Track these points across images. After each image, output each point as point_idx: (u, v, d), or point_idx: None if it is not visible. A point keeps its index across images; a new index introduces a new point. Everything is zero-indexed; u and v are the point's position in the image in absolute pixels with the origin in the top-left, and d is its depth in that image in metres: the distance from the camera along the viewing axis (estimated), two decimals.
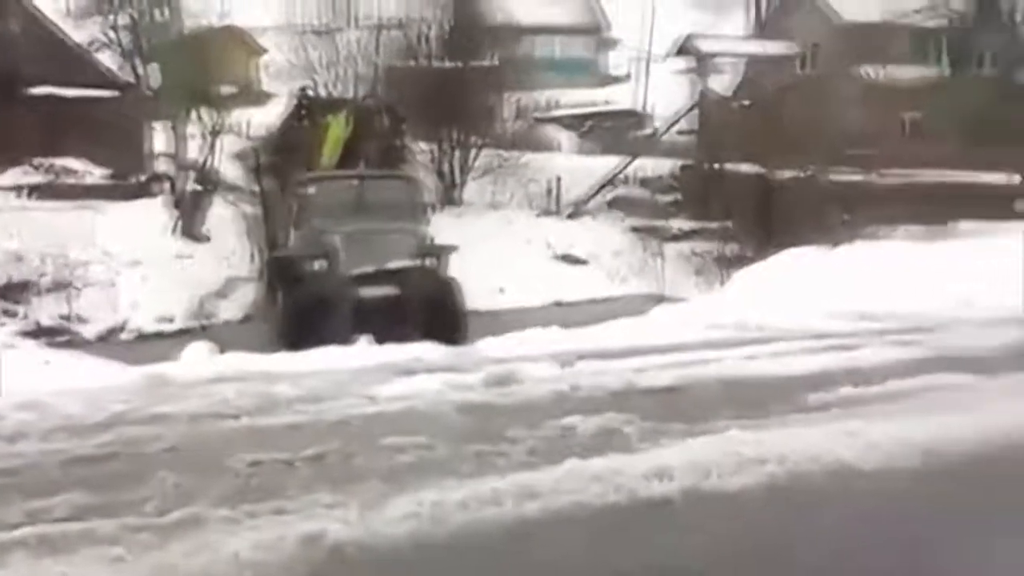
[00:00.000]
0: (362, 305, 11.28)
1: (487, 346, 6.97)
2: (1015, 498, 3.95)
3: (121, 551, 3.46)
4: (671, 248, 19.60)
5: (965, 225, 15.97)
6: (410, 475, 4.25)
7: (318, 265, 11.98)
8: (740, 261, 15.06)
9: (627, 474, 4.03)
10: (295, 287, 12.12)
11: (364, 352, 7.27)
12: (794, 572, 3.39)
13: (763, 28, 38.83)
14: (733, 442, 4.32)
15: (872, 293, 7.84)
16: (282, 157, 15.17)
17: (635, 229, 20.49)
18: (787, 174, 19.04)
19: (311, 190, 13.16)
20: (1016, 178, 19.93)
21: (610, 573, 3.34)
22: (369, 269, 11.71)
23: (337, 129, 14.06)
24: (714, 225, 19.29)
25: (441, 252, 12.50)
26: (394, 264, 11.79)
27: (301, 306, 11.58)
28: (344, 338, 9.05)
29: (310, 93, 16.59)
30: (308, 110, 15.27)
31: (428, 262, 12.13)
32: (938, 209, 16.60)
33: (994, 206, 17.84)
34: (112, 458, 4.67)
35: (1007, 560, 3.37)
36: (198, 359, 7.36)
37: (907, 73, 30.57)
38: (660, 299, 12.98)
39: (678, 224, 20.62)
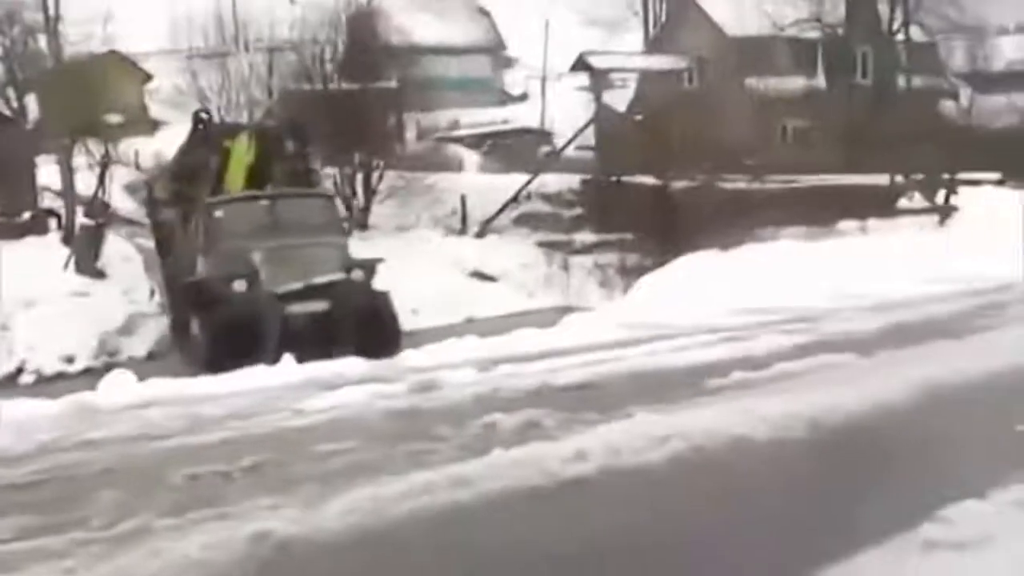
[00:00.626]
0: (290, 323, 10.77)
1: (408, 357, 7.27)
2: (890, 457, 4.48)
3: (72, 563, 3.63)
4: (576, 261, 20.17)
5: (846, 224, 16.99)
6: (345, 477, 4.52)
7: (237, 285, 11.27)
8: (641, 269, 15.65)
9: (548, 459, 4.41)
10: (213, 311, 11.39)
11: (287, 370, 7.48)
12: (701, 533, 3.80)
13: (655, 43, 40.09)
14: (641, 425, 4.75)
15: (762, 290, 8.44)
16: (181, 185, 14.29)
17: (541, 244, 21.00)
18: (680, 184, 19.82)
19: (219, 213, 12.45)
20: (898, 178, 21.19)
21: (539, 547, 3.70)
22: (295, 285, 11.05)
23: (240, 153, 13.44)
24: (615, 236, 19.96)
25: (368, 264, 12.06)
26: (320, 279, 11.12)
27: (222, 330, 10.89)
28: (272, 359, 8.77)
29: (204, 116, 15.60)
30: (207, 135, 14.44)
31: (356, 275, 11.59)
32: (821, 211, 17.59)
33: (877, 205, 18.92)
34: (49, 483, 4.79)
35: (881, 510, 3.85)
36: (120, 386, 7.43)
37: (787, 84, 32.05)
38: (568, 309, 13.46)
39: (582, 237, 21.23)
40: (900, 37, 32.77)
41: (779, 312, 7.68)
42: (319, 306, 10.98)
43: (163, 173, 16.05)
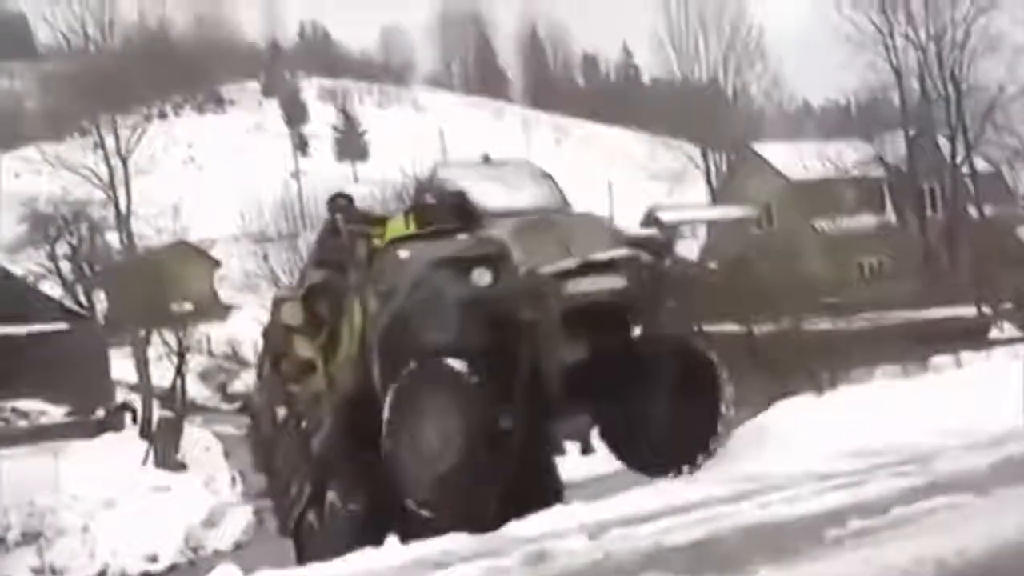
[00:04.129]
0: (574, 312, 6.92)
1: (513, 528, 7.31)
2: None
3: None
4: None
5: (940, 359, 16.71)
6: None
7: (478, 276, 7.09)
8: (734, 419, 15.51)
9: None
10: (446, 341, 7.08)
11: (392, 552, 7.54)
12: None
13: (720, 193, 41.04)
14: None
15: (864, 432, 8.38)
16: (327, 276, 10.03)
17: None
18: (764, 329, 19.85)
19: (405, 254, 8.28)
20: (986, 308, 20.92)
21: None
22: (566, 263, 7.07)
23: (398, 233, 9.59)
24: None
25: (659, 243, 8.07)
26: (599, 255, 7.18)
27: (472, 349, 6.94)
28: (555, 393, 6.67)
29: (342, 201, 11.08)
30: (348, 220, 10.05)
31: (644, 256, 7.48)
32: (912, 346, 17.40)
33: (966, 338, 18.64)
34: None
35: None
36: None
37: (858, 222, 32.32)
38: None
39: None
40: (965, 169, 33.11)
41: (886, 454, 7.61)
42: (612, 282, 7.10)
43: (293, 294, 11.38)
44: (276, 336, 10.57)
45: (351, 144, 70.70)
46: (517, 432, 6.98)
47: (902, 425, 8.37)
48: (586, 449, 8.03)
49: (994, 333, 19.37)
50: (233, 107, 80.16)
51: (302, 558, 9.73)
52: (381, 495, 7.96)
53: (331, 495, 9.13)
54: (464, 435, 6.91)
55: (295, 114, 75.78)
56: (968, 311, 20.80)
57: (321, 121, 74.26)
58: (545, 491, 8.29)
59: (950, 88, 33.33)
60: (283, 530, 11.11)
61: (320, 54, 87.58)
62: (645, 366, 7.47)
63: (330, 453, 9.09)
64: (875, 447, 7.76)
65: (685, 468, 7.87)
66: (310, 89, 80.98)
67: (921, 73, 33.94)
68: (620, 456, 8.00)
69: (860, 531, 5.57)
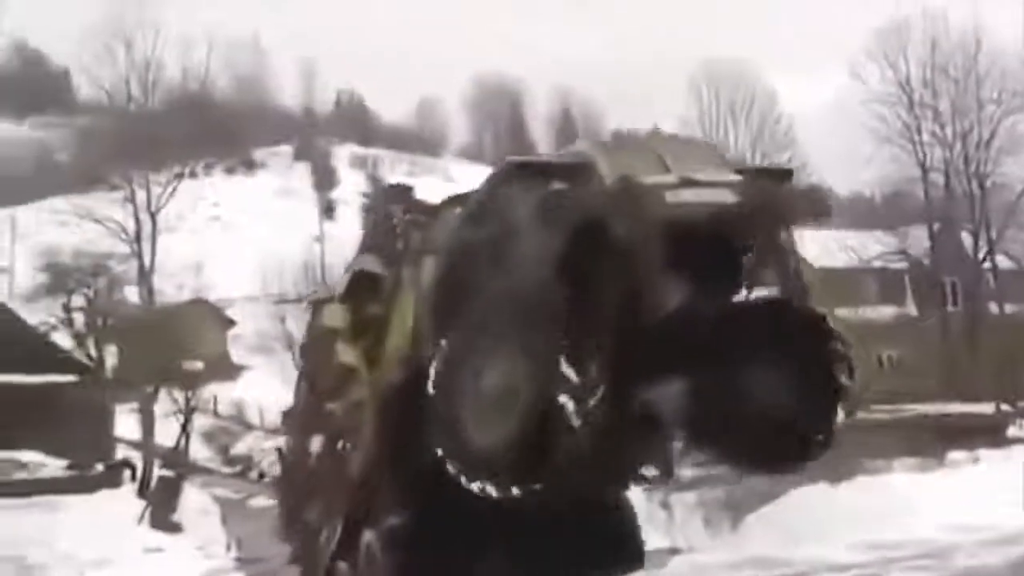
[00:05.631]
0: (676, 229, 5.24)
1: None
2: None
3: None
4: (678, 498, 19.72)
5: (957, 454, 16.55)
6: None
7: (558, 184, 5.61)
8: (748, 505, 15.34)
9: None
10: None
11: None
12: None
13: (745, 278, 40.99)
14: None
15: (879, 524, 8.36)
16: (381, 259, 8.66)
17: None
18: None
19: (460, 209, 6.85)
20: (1005, 407, 20.68)
21: None
22: (665, 178, 5.54)
23: None
24: (719, 471, 19.61)
25: (780, 172, 6.49)
26: (708, 175, 5.67)
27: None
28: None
29: (400, 191, 9.92)
30: (407, 212, 8.41)
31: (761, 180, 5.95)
32: (929, 440, 17.21)
33: (984, 434, 18.41)
34: None
35: None
36: None
37: (879, 313, 32.18)
38: (674, 551, 13.16)
39: (683, 473, 20.88)
40: (987, 265, 33.01)
41: (901, 547, 7.61)
42: (721, 195, 5.58)
43: (332, 295, 9.51)
44: (315, 344, 9.22)
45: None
46: (599, 385, 5.27)
47: (918, 519, 8.35)
48: (669, 472, 6.36)
49: (1012, 431, 19.14)
50: (264, 169, 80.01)
51: None
52: (427, 500, 6.76)
53: (367, 536, 7.82)
54: (535, 383, 5.32)
55: (325, 179, 75.50)
56: (986, 407, 20.58)
57: (351, 187, 74.15)
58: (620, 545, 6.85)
59: (974, 185, 33.41)
60: None
61: (355, 122, 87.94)
62: (751, 326, 5.74)
63: (371, 463, 7.60)
64: (889, 540, 7.74)
65: (795, 464, 6.21)
66: (342, 155, 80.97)
67: (946, 169, 34.03)
68: (715, 448, 6.27)
69: None
